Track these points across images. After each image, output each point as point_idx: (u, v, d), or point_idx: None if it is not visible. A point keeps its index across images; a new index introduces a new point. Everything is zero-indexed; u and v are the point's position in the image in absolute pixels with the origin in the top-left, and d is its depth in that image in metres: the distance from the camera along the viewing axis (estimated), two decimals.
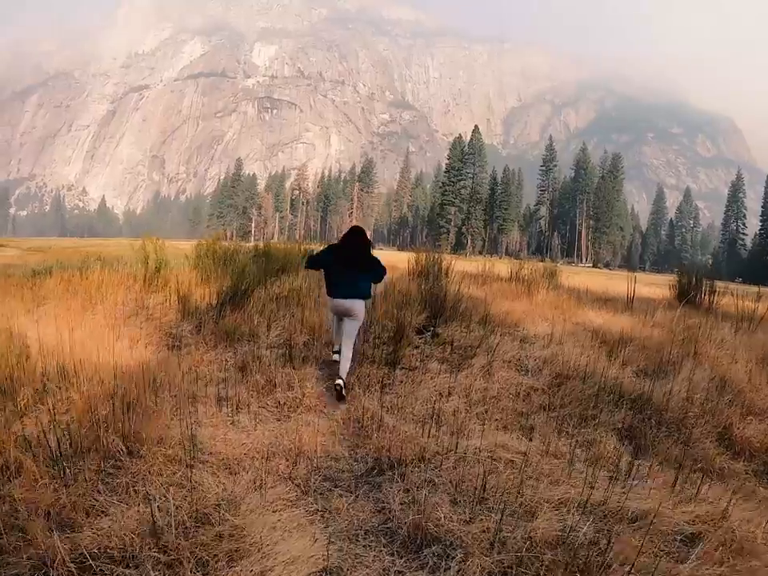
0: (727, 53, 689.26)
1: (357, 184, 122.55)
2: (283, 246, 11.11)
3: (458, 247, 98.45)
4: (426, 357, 5.40)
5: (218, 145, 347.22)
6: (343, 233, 5.10)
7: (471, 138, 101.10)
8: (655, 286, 12.20)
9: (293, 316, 6.14)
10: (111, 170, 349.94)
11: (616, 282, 15.26)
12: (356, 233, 4.87)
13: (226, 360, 4.86)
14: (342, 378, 4.40)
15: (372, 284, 4.93)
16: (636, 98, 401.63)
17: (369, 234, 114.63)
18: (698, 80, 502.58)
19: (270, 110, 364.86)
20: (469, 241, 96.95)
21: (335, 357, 4.97)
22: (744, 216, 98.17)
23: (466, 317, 6.58)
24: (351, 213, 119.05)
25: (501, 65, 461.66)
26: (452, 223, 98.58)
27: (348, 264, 4.65)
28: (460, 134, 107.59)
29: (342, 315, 4.75)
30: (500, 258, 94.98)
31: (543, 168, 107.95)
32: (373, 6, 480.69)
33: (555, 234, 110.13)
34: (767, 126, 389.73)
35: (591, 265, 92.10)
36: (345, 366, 4.50)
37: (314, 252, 6.38)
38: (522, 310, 7.23)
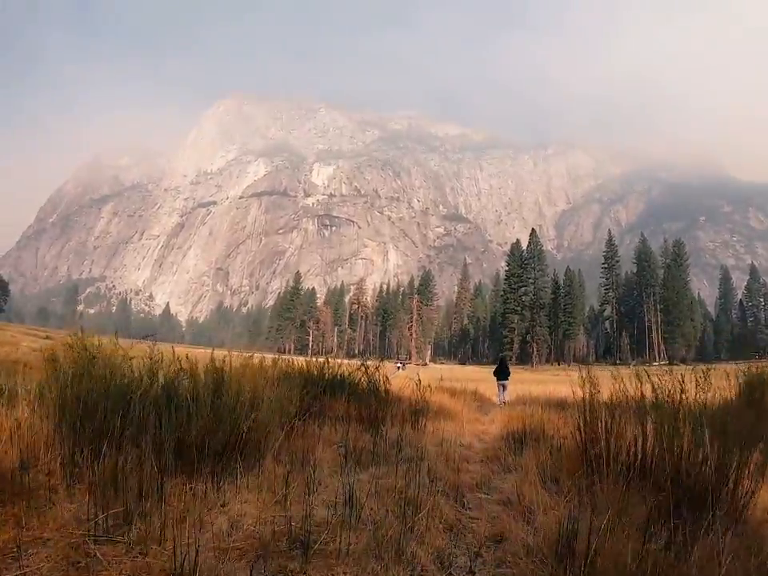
0: (757, 118, 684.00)
1: (416, 297, 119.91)
2: (258, 363, 5.58)
3: (523, 357, 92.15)
4: None
5: (279, 260, 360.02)
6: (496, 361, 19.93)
7: (529, 243, 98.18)
8: None
9: None
10: (177, 278, 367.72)
11: None
12: (503, 358, 17.56)
13: None
14: (504, 401, 13.82)
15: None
16: (681, 182, 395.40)
17: (429, 348, 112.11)
18: (736, 152, 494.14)
19: (329, 227, 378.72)
20: (534, 349, 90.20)
21: (498, 402, 14.05)
22: None
23: None
24: (411, 326, 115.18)
25: (547, 170, 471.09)
26: (516, 332, 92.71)
27: (501, 368, 15.72)
28: (518, 240, 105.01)
29: (502, 384, 15.18)
30: (569, 366, 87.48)
31: (605, 265, 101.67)
32: (420, 125, 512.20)
33: (623, 333, 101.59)
34: None
35: (667, 362, 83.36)
36: (504, 397, 14.48)
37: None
38: None
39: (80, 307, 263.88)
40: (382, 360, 7.28)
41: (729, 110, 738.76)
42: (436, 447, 5.44)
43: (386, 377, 6.80)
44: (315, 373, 7.97)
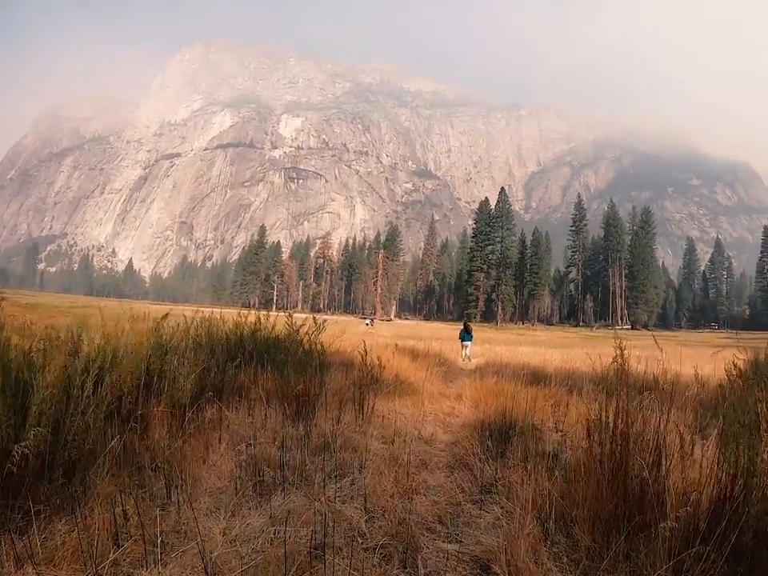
0: (735, 97, 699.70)
1: (381, 252, 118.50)
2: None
3: (488, 314, 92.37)
4: None
5: (245, 213, 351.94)
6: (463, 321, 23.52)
7: (498, 202, 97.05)
8: None
9: None
10: (140, 233, 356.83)
11: None
12: (467, 323, 18.98)
13: None
14: (468, 357, 16.30)
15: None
16: (653, 153, 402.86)
17: (394, 304, 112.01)
18: (710, 129, 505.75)
19: (296, 180, 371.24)
20: (499, 308, 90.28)
21: (463, 362, 14.96)
22: None
23: None
24: (376, 281, 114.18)
25: (519, 130, 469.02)
26: (481, 290, 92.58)
27: (465, 330, 17.83)
28: (486, 198, 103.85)
29: (464, 344, 17.40)
30: (533, 326, 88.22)
31: (573, 228, 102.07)
32: (393, 80, 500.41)
33: (588, 296, 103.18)
34: None
35: (630, 327, 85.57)
36: (468, 355, 16.51)
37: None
38: None
39: (41, 266, 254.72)
40: (316, 319, 5.44)
41: (706, 88, 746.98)
42: (385, 445, 3.91)
43: (322, 345, 5.07)
44: (244, 335, 6.35)
